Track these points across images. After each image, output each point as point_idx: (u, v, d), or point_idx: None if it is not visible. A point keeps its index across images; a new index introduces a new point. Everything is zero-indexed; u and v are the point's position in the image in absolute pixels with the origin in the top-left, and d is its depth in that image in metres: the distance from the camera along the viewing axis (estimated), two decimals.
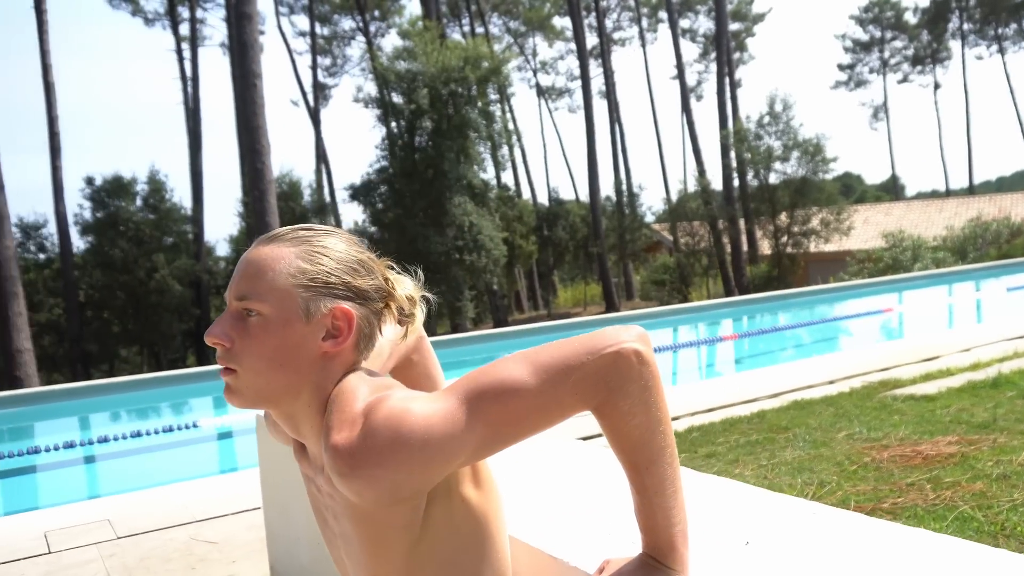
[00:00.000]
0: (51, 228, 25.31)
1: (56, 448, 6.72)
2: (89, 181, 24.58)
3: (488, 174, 25.57)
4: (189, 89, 28.33)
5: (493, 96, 25.79)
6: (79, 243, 24.76)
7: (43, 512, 4.27)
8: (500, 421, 0.97)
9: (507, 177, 34.47)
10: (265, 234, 1.10)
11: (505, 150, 29.09)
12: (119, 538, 3.69)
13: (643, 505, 1.05)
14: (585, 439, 3.06)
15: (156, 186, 25.23)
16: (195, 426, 7.51)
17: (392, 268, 1.18)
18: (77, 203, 24.60)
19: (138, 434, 6.82)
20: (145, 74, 76.85)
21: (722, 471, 4.01)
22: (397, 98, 22.38)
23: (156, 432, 6.87)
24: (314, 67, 34.01)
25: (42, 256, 26.30)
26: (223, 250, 29.14)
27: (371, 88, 26.58)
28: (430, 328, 23.01)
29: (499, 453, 1.03)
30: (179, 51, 29.40)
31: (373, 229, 23.89)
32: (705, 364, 10.77)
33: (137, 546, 3.57)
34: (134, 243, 24.03)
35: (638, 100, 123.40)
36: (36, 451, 6.84)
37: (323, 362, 1.06)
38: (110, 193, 24.47)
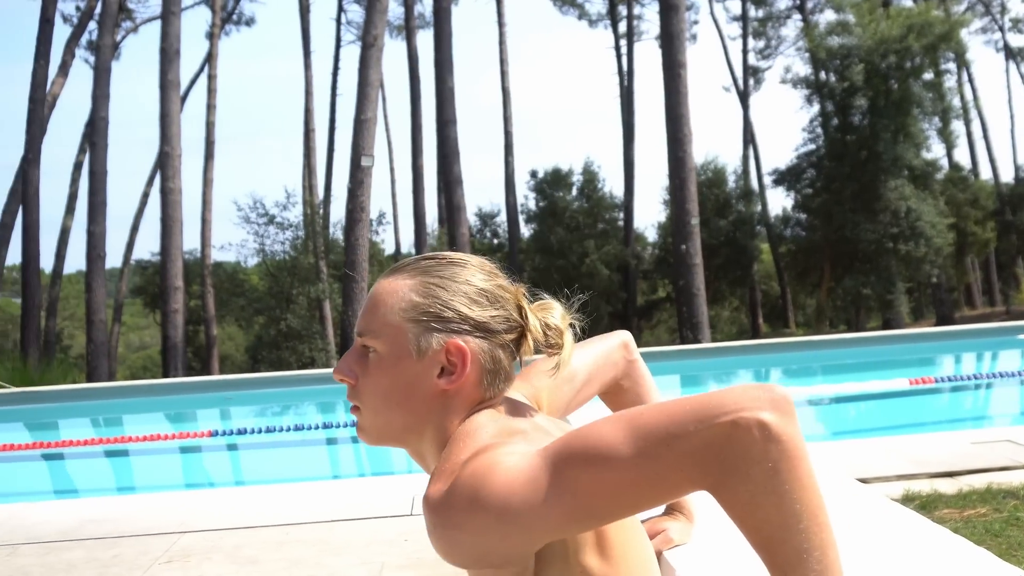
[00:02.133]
0: (502, 217, 28.64)
1: None
2: (533, 174, 27.28)
3: (935, 153, 22.91)
4: (625, 83, 29.82)
5: (947, 65, 22.98)
6: (524, 230, 27.66)
7: (418, 476, 4.41)
8: (590, 492, 0.82)
9: (961, 155, 30.50)
10: (394, 264, 1.08)
11: (958, 125, 25.75)
12: None
13: None
14: None
15: (590, 176, 27.00)
16: None
17: (534, 296, 1.09)
18: (523, 194, 27.38)
19: None
20: (585, 73, 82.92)
21: None
22: (829, 76, 21.13)
23: None
24: (744, 51, 33.49)
25: (496, 241, 29.83)
26: (651, 236, 30.23)
27: (800, 68, 25.42)
28: (857, 322, 21.14)
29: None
30: (617, 47, 31.02)
31: (803, 216, 22.90)
32: None
33: None
34: (569, 230, 26.03)
35: None
36: None
37: (443, 400, 1.01)
38: (550, 184, 26.83)
